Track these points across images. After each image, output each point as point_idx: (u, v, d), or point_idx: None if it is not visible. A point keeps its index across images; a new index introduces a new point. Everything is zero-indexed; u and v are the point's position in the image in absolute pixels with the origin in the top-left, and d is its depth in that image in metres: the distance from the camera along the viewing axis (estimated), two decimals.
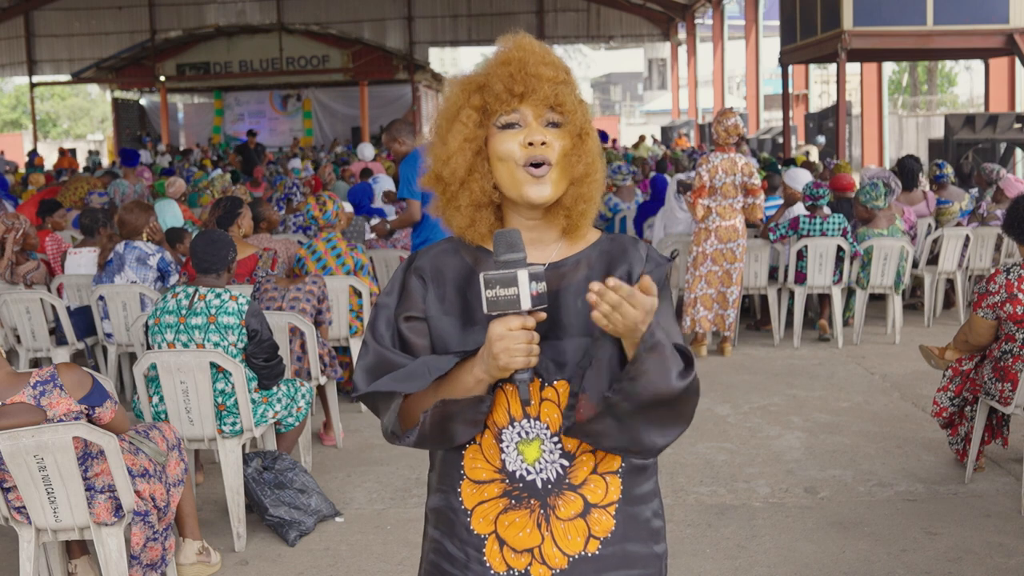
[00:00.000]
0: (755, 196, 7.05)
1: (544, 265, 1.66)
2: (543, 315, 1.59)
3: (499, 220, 1.73)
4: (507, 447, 1.69)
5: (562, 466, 1.68)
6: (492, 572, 1.70)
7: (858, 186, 8.20)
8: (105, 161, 26.25)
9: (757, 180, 7.06)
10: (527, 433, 1.69)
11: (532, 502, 1.69)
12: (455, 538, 1.73)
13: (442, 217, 1.74)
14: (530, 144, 1.65)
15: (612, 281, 1.51)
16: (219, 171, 13.44)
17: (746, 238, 7.20)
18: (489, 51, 1.74)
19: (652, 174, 11.35)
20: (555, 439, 1.68)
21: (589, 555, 1.69)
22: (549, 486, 1.68)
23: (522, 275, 1.54)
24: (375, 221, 8.30)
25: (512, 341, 1.55)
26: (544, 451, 1.68)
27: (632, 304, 1.51)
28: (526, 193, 1.66)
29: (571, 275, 1.71)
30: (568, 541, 1.68)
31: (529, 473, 1.69)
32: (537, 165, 1.66)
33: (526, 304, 1.54)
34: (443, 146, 1.71)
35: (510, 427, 1.69)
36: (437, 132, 1.74)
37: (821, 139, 17.38)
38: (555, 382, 1.67)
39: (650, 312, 1.53)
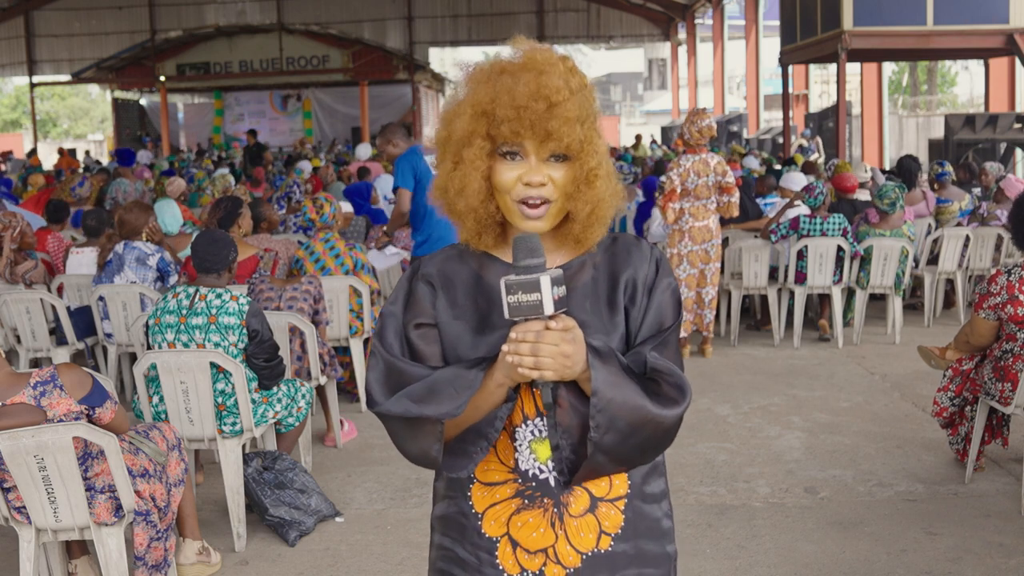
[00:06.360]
0: (730, 194, 7.02)
1: (562, 272, 1.64)
2: (563, 318, 1.58)
3: (504, 231, 1.72)
4: (520, 446, 1.69)
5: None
6: (505, 575, 1.70)
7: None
8: (105, 161, 26.23)
9: (731, 178, 7.03)
10: (540, 431, 1.68)
11: (546, 501, 1.68)
12: (466, 543, 1.72)
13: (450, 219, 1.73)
14: (527, 184, 1.62)
15: (514, 333, 1.53)
16: (222, 170, 13.43)
17: (720, 238, 7.18)
18: (491, 51, 1.71)
19: (649, 176, 11.37)
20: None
21: (602, 552, 1.68)
22: (562, 483, 1.68)
23: (544, 280, 1.53)
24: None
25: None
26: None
27: (547, 342, 1.53)
28: (521, 225, 1.65)
29: (577, 277, 1.70)
30: (581, 539, 1.68)
31: (542, 472, 1.68)
32: (534, 205, 1.63)
33: (549, 309, 1.53)
34: (455, 170, 1.66)
35: (523, 426, 1.69)
36: (446, 148, 1.68)
37: (807, 132, 17.41)
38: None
39: (573, 342, 1.54)
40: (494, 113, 1.61)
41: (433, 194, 1.73)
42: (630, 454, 1.62)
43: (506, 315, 1.55)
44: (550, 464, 1.68)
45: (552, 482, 1.68)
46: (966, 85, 41.06)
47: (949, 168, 9.44)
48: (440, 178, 1.70)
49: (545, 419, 1.68)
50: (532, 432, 1.68)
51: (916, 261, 8.13)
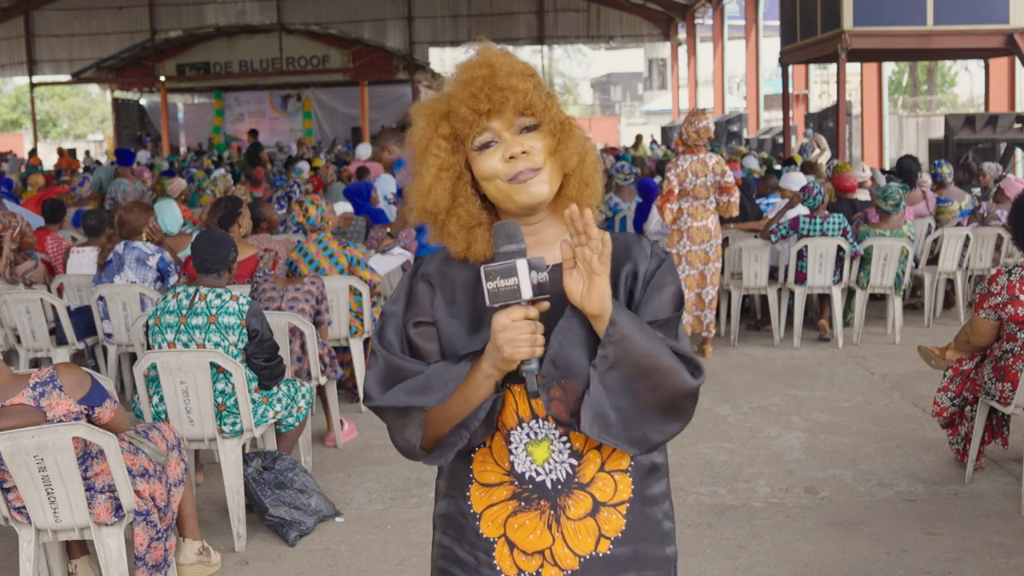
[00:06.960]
0: (730, 194, 7.02)
1: (543, 258, 1.64)
2: (546, 304, 1.59)
3: None
4: (516, 448, 1.69)
5: (571, 465, 1.68)
6: (503, 575, 1.70)
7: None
8: (104, 161, 26.25)
9: (730, 178, 7.02)
10: (536, 434, 1.68)
11: (542, 503, 1.68)
12: (465, 542, 1.73)
13: (441, 243, 1.74)
14: (511, 158, 1.64)
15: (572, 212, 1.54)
16: (221, 171, 13.43)
17: (719, 238, 7.17)
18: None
19: (645, 177, 11.36)
20: (564, 439, 1.67)
21: (600, 555, 1.68)
22: (559, 486, 1.68)
23: (521, 264, 1.54)
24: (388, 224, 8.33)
25: (515, 331, 1.55)
26: (553, 451, 1.68)
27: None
28: (522, 200, 1.65)
29: None
30: (579, 541, 1.68)
31: (539, 474, 1.68)
32: (528, 177, 1.64)
33: (527, 294, 1.54)
34: (420, 180, 1.70)
35: (518, 428, 1.69)
36: (413, 166, 1.73)
37: (808, 131, 17.39)
38: (563, 381, 1.66)
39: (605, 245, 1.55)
40: (450, 109, 1.67)
41: (414, 216, 1.74)
42: (635, 404, 1.58)
43: (487, 302, 1.56)
44: (546, 466, 1.68)
45: (548, 485, 1.68)
46: (966, 85, 41.07)
47: (944, 169, 9.43)
48: (412, 193, 1.73)
49: (540, 421, 1.68)
50: (527, 435, 1.68)
51: (916, 261, 8.13)
